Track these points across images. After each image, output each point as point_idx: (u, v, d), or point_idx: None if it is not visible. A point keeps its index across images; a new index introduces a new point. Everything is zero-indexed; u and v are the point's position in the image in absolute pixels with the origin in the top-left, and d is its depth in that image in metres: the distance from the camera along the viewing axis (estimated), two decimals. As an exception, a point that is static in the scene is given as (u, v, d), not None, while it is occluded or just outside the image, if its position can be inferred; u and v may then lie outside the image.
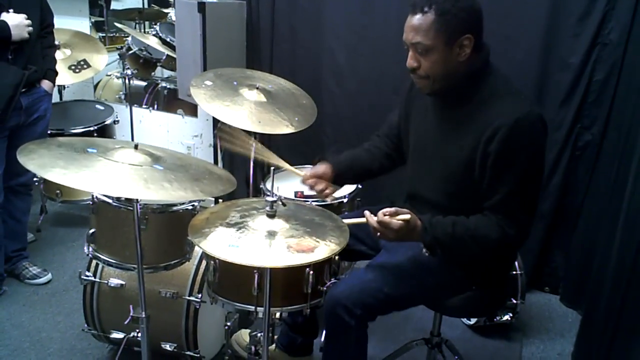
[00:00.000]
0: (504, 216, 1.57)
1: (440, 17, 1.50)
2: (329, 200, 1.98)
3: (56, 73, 2.76)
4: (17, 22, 2.38)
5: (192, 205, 1.96)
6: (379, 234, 1.57)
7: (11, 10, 2.38)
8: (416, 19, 1.53)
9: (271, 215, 1.54)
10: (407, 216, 1.54)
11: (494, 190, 1.57)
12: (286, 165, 1.97)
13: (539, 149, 1.58)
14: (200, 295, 2.03)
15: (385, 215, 1.54)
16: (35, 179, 2.97)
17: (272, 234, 1.49)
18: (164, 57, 3.81)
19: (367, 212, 1.58)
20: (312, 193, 1.95)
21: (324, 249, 1.46)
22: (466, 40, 1.54)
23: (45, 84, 2.67)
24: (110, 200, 1.89)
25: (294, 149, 3.36)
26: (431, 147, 1.73)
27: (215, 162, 3.43)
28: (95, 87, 4.08)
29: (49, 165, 1.40)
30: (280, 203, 1.57)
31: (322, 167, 1.91)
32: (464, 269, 1.71)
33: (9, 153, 2.53)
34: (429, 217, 1.60)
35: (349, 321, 1.60)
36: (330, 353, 1.72)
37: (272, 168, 1.81)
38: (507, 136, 1.51)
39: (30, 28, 2.44)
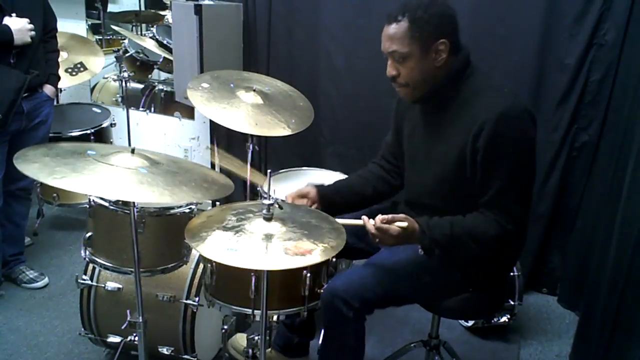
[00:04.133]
0: (499, 211, 1.58)
1: (413, 24, 1.55)
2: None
3: (58, 78, 2.76)
4: (19, 26, 2.37)
5: (190, 209, 1.96)
6: (377, 239, 1.58)
7: (14, 15, 2.37)
8: (391, 28, 1.59)
9: (268, 218, 1.54)
10: (405, 224, 1.56)
11: (486, 186, 1.58)
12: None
13: (527, 141, 1.59)
14: (197, 299, 2.03)
15: (382, 222, 1.55)
16: (34, 182, 2.97)
17: (269, 237, 1.49)
18: (161, 60, 3.81)
19: (364, 217, 1.60)
20: None
21: (321, 251, 1.46)
22: (441, 45, 1.57)
23: (47, 89, 2.66)
24: (107, 204, 1.88)
25: (291, 151, 3.36)
26: (422, 152, 1.76)
27: (212, 164, 3.42)
28: (92, 89, 4.07)
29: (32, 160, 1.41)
30: (277, 206, 1.57)
31: (307, 188, 1.93)
32: (462, 270, 1.71)
33: (10, 158, 2.51)
34: (426, 219, 1.61)
35: (347, 313, 1.61)
36: (329, 345, 1.74)
37: (269, 170, 1.81)
38: (493, 130, 1.53)
39: (33, 32, 2.43)
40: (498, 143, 1.54)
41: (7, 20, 2.35)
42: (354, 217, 1.89)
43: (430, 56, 1.58)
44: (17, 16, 2.38)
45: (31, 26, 2.42)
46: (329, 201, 1.91)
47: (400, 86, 1.66)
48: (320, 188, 1.92)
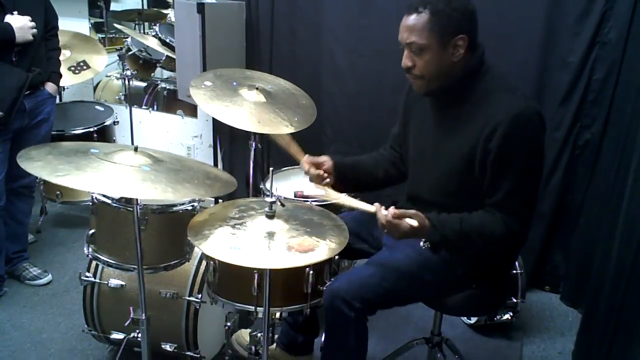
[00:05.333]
0: (507, 213, 1.58)
1: (434, 16, 1.53)
2: (324, 188, 1.86)
3: (60, 75, 2.76)
4: (21, 24, 2.37)
5: (192, 206, 1.96)
6: (385, 230, 1.56)
7: (15, 12, 2.38)
8: (411, 19, 1.56)
9: (270, 216, 1.54)
10: (416, 223, 1.53)
11: (495, 187, 1.58)
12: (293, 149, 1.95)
13: (538, 144, 1.59)
14: (200, 296, 2.03)
15: (394, 216, 1.53)
16: (37, 180, 2.97)
17: (271, 235, 1.49)
18: (164, 58, 3.81)
19: (377, 205, 1.57)
20: (312, 193, 1.93)
21: (325, 248, 1.47)
22: (460, 41, 1.56)
23: (49, 87, 2.66)
24: (109, 201, 1.89)
25: (293, 149, 3.36)
26: (430, 147, 1.74)
27: (215, 162, 3.43)
28: (95, 88, 4.08)
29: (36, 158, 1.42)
30: (279, 203, 1.57)
31: (324, 157, 1.88)
32: (464, 267, 1.71)
33: (12, 156, 2.52)
34: (435, 214, 1.60)
35: (348, 313, 1.61)
36: (331, 346, 1.73)
37: (272, 168, 1.81)
38: (507, 132, 1.52)
39: (35, 30, 2.43)
40: (511, 145, 1.53)
41: (8, 18, 2.36)
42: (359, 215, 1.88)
43: (448, 50, 1.57)
44: (18, 14, 2.38)
45: (33, 24, 2.42)
46: (342, 176, 1.87)
47: (415, 78, 1.64)
48: (336, 161, 1.87)
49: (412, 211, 1.56)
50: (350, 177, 1.91)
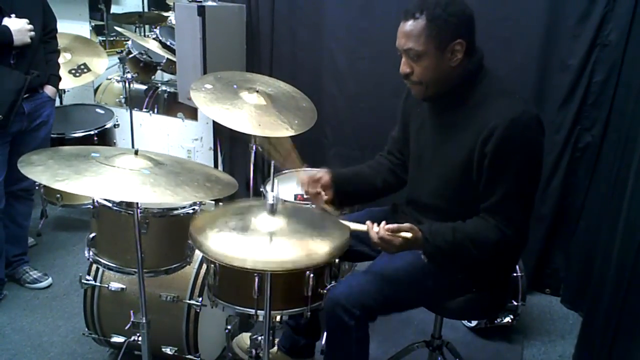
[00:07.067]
0: (501, 217, 1.57)
1: (431, 22, 1.53)
2: (323, 207, 1.85)
3: (59, 78, 2.76)
4: (19, 27, 2.37)
5: (193, 209, 1.96)
6: (379, 247, 1.58)
7: (13, 15, 2.37)
8: (408, 25, 1.56)
9: (271, 216, 1.54)
10: (409, 234, 1.54)
11: (491, 191, 1.58)
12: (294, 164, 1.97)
13: (535, 149, 1.58)
14: (200, 299, 2.03)
15: (387, 231, 1.54)
16: (36, 183, 2.97)
17: (272, 235, 1.49)
18: (164, 61, 3.82)
19: (369, 223, 1.58)
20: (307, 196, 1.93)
21: (326, 250, 1.46)
22: (458, 46, 1.55)
23: (48, 89, 2.66)
24: (110, 205, 1.89)
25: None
26: (429, 151, 1.74)
27: (216, 165, 3.43)
28: (96, 91, 4.08)
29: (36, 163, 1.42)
30: (279, 204, 1.57)
31: (321, 172, 1.88)
32: (464, 271, 1.71)
33: (11, 159, 2.52)
34: (428, 226, 1.60)
35: (349, 322, 1.61)
36: (332, 354, 1.73)
37: (272, 170, 1.81)
38: (503, 136, 1.52)
39: (33, 33, 2.43)
40: (507, 149, 1.53)
41: (6, 21, 2.36)
42: (358, 217, 1.89)
43: (445, 56, 1.56)
44: (16, 17, 2.38)
45: (31, 27, 2.42)
46: (341, 190, 1.87)
47: (413, 84, 1.64)
48: (333, 175, 1.87)
49: (406, 225, 1.56)
50: (349, 189, 1.90)
